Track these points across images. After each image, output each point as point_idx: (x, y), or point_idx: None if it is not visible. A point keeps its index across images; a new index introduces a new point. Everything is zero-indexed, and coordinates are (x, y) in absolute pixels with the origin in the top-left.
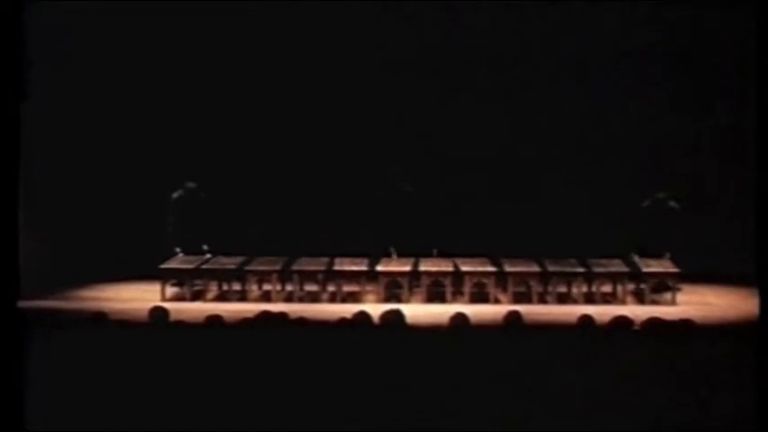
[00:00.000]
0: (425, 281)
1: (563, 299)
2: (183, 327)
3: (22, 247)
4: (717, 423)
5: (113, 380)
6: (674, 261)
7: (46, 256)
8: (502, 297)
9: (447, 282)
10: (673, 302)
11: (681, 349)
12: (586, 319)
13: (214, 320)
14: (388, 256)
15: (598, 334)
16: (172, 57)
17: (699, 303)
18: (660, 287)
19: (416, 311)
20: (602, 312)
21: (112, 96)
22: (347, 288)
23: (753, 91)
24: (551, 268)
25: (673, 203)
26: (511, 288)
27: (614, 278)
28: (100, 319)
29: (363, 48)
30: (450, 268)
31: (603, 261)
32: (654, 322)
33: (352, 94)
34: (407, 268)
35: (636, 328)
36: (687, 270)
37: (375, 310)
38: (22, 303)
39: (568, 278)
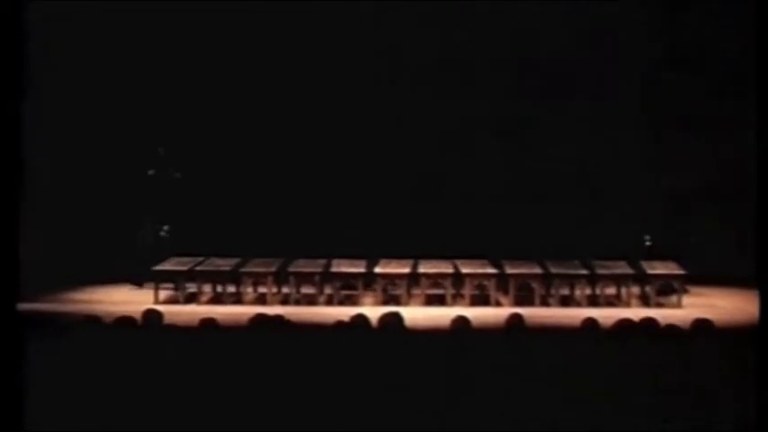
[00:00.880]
0: (424, 283)
1: (566, 301)
2: (177, 330)
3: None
4: (723, 427)
5: (106, 384)
6: (680, 263)
7: (37, 258)
8: (503, 300)
9: (447, 284)
10: (678, 305)
11: (687, 353)
12: (590, 323)
13: (208, 323)
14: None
15: (602, 337)
16: (167, 57)
17: (705, 306)
18: (666, 289)
19: (416, 314)
20: (606, 315)
21: (106, 97)
22: (345, 290)
23: (753, 90)
24: (554, 270)
25: None
26: (512, 290)
27: (619, 280)
28: (92, 322)
29: (356, 49)
30: (451, 270)
31: (607, 263)
32: (657, 325)
33: (349, 94)
34: (406, 270)
35: (639, 330)
36: (693, 272)
37: (373, 312)
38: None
39: (571, 280)
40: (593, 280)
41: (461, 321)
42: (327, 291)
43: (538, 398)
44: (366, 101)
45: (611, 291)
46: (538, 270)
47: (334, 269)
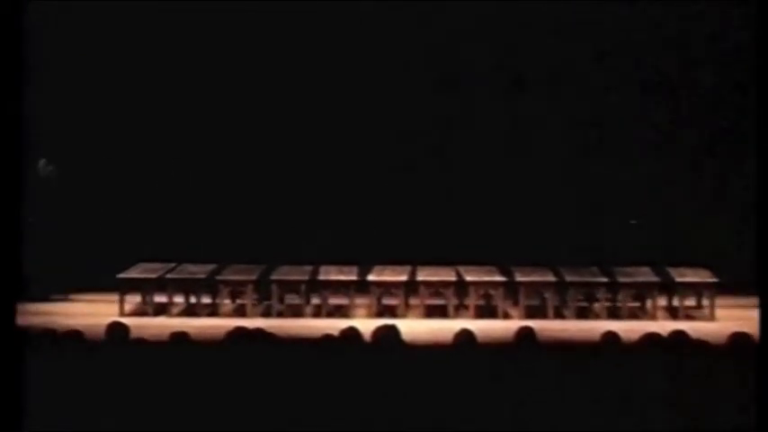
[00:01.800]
0: (424, 292)
1: (583, 313)
2: (145, 345)
3: None
4: None
5: (65, 408)
6: (712, 270)
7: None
8: (512, 311)
9: (449, 293)
10: (711, 317)
11: (723, 372)
12: (610, 337)
13: (180, 338)
14: None
15: (625, 354)
16: (157, 60)
17: (741, 318)
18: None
19: (414, 327)
20: (628, 329)
21: (84, 107)
22: (334, 301)
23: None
24: (569, 278)
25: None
26: (523, 301)
27: (643, 289)
28: (50, 337)
29: (346, 52)
30: (453, 278)
31: (630, 269)
32: (687, 340)
33: (343, 93)
34: (403, 278)
35: (667, 346)
36: (726, 279)
37: (366, 325)
38: None
39: (589, 289)
40: (613, 289)
41: (465, 335)
42: (314, 301)
43: (550, 422)
44: (363, 95)
45: (634, 301)
46: (551, 278)
47: (322, 277)
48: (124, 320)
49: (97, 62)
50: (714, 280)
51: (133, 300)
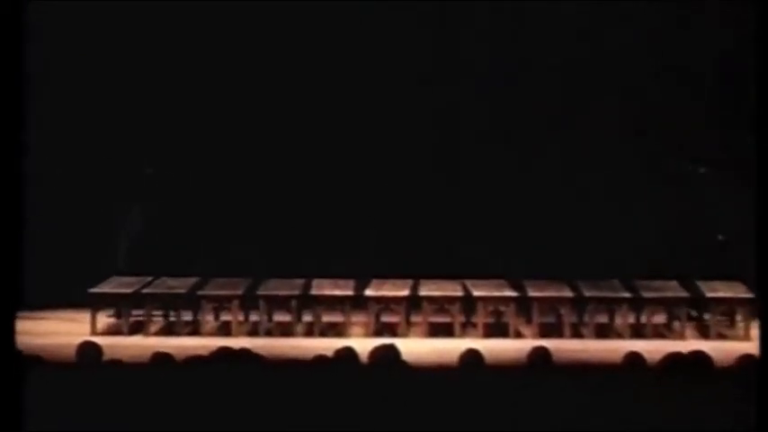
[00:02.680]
0: (427, 308)
1: (604, 332)
2: (120, 367)
3: None
4: None
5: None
6: (747, 283)
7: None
8: (525, 330)
9: (455, 310)
10: (746, 337)
11: (753, 398)
12: (634, 358)
13: (159, 359)
14: None
15: (649, 377)
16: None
17: None
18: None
19: (416, 347)
20: (653, 349)
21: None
22: (328, 318)
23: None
24: (588, 293)
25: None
26: (536, 318)
27: (669, 305)
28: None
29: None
30: (459, 293)
31: (655, 283)
32: (719, 362)
33: (341, 99)
34: (404, 293)
35: (697, 369)
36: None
37: (363, 345)
38: None
39: (610, 305)
40: (637, 305)
41: (473, 356)
42: (306, 318)
43: None
44: (362, 101)
45: (660, 318)
46: (568, 293)
47: (314, 291)
48: (96, 340)
49: (96, 63)
50: (749, 295)
51: (107, 317)
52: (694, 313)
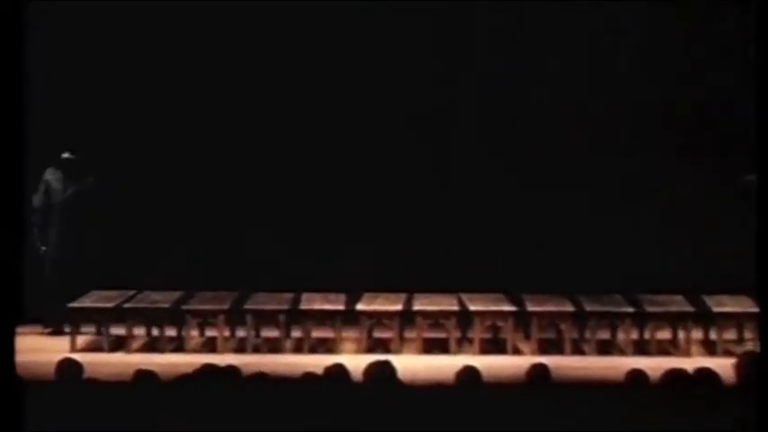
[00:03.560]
0: (422, 323)
1: (606, 348)
2: (101, 385)
3: None
4: None
5: None
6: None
7: None
8: (523, 346)
9: (451, 325)
10: (754, 352)
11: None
12: (637, 375)
13: (141, 377)
14: None
15: (653, 395)
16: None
17: None
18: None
19: (410, 364)
20: (658, 366)
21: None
22: (318, 334)
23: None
24: (589, 307)
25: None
26: (535, 334)
27: (674, 320)
28: None
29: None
30: (455, 307)
31: (660, 297)
32: (724, 379)
33: (334, 104)
34: (398, 307)
35: (703, 386)
36: None
37: (355, 362)
38: None
39: (612, 320)
40: (640, 320)
41: (469, 373)
42: (295, 334)
43: None
44: (356, 107)
45: (664, 334)
46: (568, 307)
47: (304, 306)
48: (76, 357)
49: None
50: (757, 310)
51: (87, 333)
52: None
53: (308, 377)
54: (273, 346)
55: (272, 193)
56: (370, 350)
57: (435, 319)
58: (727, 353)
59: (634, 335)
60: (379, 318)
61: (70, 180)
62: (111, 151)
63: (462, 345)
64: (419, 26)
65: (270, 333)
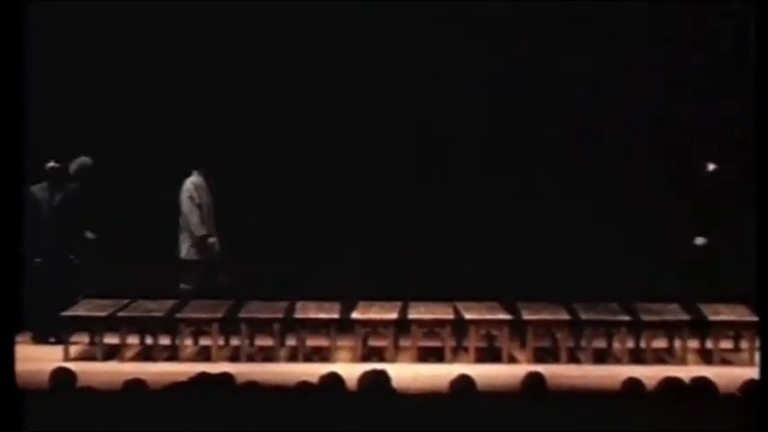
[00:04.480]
0: (417, 332)
1: (601, 357)
2: (94, 394)
3: None
4: None
5: None
6: (752, 307)
7: None
8: (519, 354)
9: (446, 333)
10: (751, 362)
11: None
12: (633, 384)
13: (135, 386)
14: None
15: (648, 404)
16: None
17: None
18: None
19: (405, 373)
20: (653, 375)
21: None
22: (312, 342)
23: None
24: (585, 315)
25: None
26: (531, 342)
27: (670, 329)
28: None
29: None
30: (450, 316)
31: (655, 306)
32: (715, 388)
33: (331, 110)
34: (393, 316)
35: (698, 396)
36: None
37: (350, 370)
38: None
39: (608, 329)
40: (636, 328)
41: (464, 382)
42: (290, 342)
43: None
44: (354, 115)
45: (660, 343)
46: (564, 315)
47: (298, 315)
48: (70, 365)
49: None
50: (754, 318)
51: (80, 342)
52: None
53: (303, 386)
54: (268, 355)
55: (268, 201)
56: (364, 359)
57: (430, 327)
58: (724, 362)
59: (630, 343)
60: (373, 326)
61: (56, 189)
62: (111, 152)
63: (457, 353)
64: (418, 28)
65: (264, 342)
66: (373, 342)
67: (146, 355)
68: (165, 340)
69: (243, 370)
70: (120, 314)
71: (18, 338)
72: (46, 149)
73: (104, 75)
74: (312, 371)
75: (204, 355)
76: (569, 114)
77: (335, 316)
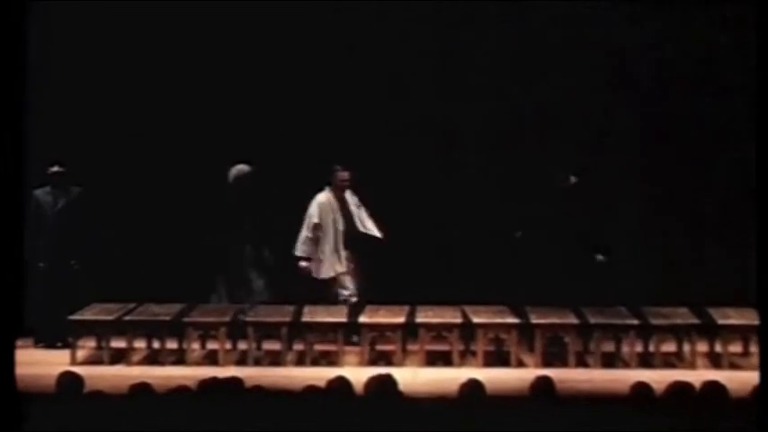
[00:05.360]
0: (424, 336)
1: (610, 361)
2: (102, 399)
3: None
4: None
5: None
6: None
7: None
8: (527, 358)
9: (454, 337)
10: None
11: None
12: (641, 388)
13: (142, 390)
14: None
15: (657, 409)
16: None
17: None
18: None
19: (413, 377)
20: (662, 379)
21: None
22: (320, 347)
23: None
24: (593, 319)
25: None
26: (539, 346)
27: (679, 332)
28: None
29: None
30: (458, 319)
31: (664, 310)
32: (733, 394)
33: (333, 112)
34: (400, 319)
35: (707, 400)
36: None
37: (357, 375)
38: None
39: (617, 333)
40: (645, 332)
41: (472, 386)
42: (297, 347)
43: None
44: (355, 118)
45: (669, 347)
46: (572, 319)
47: (306, 319)
48: (77, 369)
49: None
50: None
51: (87, 345)
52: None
53: (311, 390)
54: (275, 359)
55: (272, 201)
56: (372, 363)
57: (438, 331)
58: (733, 366)
59: (639, 347)
60: (381, 330)
61: (59, 193)
62: (110, 153)
63: (465, 357)
64: (418, 28)
65: (272, 346)
66: (381, 346)
67: (153, 358)
68: (172, 344)
69: (250, 374)
70: (127, 318)
71: (19, 342)
72: (50, 153)
73: (109, 78)
74: (319, 375)
75: (211, 358)
76: (577, 116)
77: (343, 320)
